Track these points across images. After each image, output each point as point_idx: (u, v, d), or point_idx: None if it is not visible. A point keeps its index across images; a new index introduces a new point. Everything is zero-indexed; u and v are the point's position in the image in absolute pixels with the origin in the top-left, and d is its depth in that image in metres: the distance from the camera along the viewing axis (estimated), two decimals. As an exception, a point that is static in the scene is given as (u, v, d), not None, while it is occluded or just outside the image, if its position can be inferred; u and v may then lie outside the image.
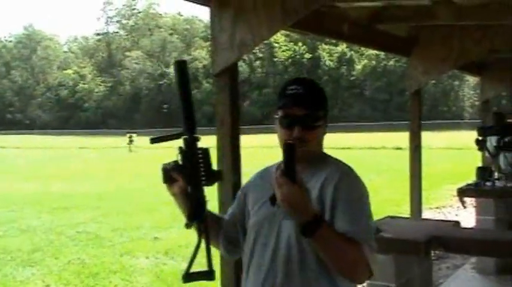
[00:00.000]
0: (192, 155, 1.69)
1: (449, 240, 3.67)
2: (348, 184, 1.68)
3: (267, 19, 2.85)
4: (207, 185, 1.68)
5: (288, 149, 1.53)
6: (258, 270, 1.72)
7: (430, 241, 3.62)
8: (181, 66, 1.77)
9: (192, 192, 1.69)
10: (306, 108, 1.72)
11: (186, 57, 77.64)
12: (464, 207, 6.28)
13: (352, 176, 1.72)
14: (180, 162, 1.71)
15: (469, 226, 6.20)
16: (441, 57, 5.10)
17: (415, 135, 5.39)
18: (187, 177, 1.70)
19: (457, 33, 4.93)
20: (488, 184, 5.69)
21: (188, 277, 1.66)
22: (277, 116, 1.79)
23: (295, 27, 3.69)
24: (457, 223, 4.16)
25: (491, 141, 5.99)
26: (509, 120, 6.48)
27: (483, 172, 5.81)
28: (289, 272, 1.65)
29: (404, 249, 3.60)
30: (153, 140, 1.87)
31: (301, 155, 1.67)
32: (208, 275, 1.65)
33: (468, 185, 5.95)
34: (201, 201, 1.69)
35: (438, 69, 5.23)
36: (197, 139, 1.71)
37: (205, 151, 1.70)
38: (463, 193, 5.92)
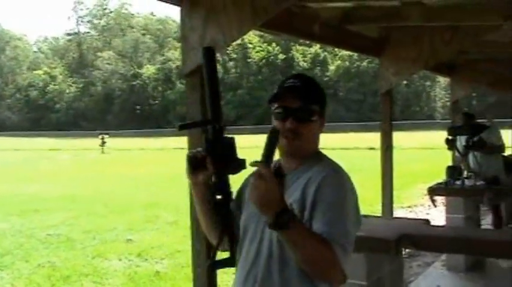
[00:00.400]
0: (220, 144, 1.69)
1: (419, 238, 3.71)
2: (331, 184, 1.64)
3: (237, 19, 2.85)
4: (233, 173, 1.68)
5: (270, 134, 1.58)
6: (244, 264, 1.74)
7: (400, 239, 3.66)
8: (210, 53, 1.73)
9: (216, 181, 1.69)
10: (300, 100, 1.71)
11: (158, 58, 77.27)
12: (435, 206, 6.37)
13: (338, 176, 1.69)
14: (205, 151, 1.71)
15: (440, 224, 6.30)
16: (412, 58, 5.16)
17: (387, 135, 5.44)
18: (215, 165, 1.68)
19: (427, 34, 4.99)
20: (457, 182, 5.79)
21: (214, 265, 1.75)
22: (273, 108, 1.79)
23: (266, 27, 3.70)
24: (427, 221, 4.21)
25: (461, 140, 6.09)
26: (478, 120, 6.59)
27: (453, 171, 5.91)
28: (270, 268, 1.66)
29: (375, 247, 3.63)
30: (181, 127, 1.84)
31: (295, 151, 1.74)
32: (231, 261, 1.73)
33: (438, 184, 6.04)
34: (228, 190, 1.70)
35: (409, 70, 5.28)
36: (224, 128, 1.71)
37: (231, 140, 1.70)
38: (433, 191, 6.01)
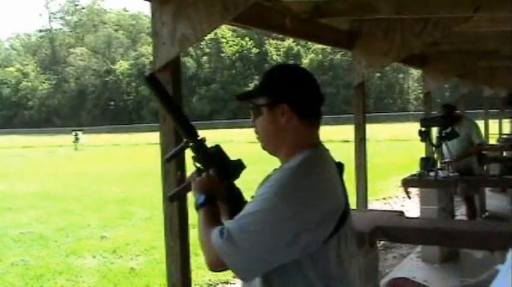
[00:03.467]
0: (212, 156, 1.68)
1: (393, 230, 3.74)
2: (270, 180, 1.48)
3: (207, 14, 2.83)
4: (237, 177, 1.68)
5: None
6: None
7: (374, 231, 3.68)
8: (154, 80, 1.72)
9: (226, 192, 1.69)
10: (250, 96, 1.62)
11: (132, 54, 76.58)
12: (409, 197, 6.41)
13: (283, 172, 1.48)
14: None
15: (414, 216, 6.36)
16: (383, 50, 5.17)
17: (360, 127, 5.45)
18: (220, 178, 1.68)
19: (398, 27, 5.01)
20: (431, 174, 5.84)
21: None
22: None
23: (238, 22, 3.67)
24: (401, 213, 4.23)
25: (434, 132, 6.15)
26: (456, 111, 6.66)
27: (426, 163, 5.96)
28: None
29: (350, 240, 3.64)
30: (167, 160, 1.90)
31: (267, 151, 1.66)
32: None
33: (412, 175, 6.08)
34: (241, 194, 1.72)
35: (380, 62, 5.29)
36: (203, 141, 1.69)
37: (219, 147, 1.70)
38: (407, 183, 6.05)
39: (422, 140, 6.20)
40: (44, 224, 9.30)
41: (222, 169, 1.67)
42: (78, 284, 5.92)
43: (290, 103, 1.52)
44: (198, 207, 1.61)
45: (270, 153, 1.64)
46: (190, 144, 1.69)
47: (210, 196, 1.62)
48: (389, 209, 9.47)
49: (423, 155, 6.74)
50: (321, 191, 1.44)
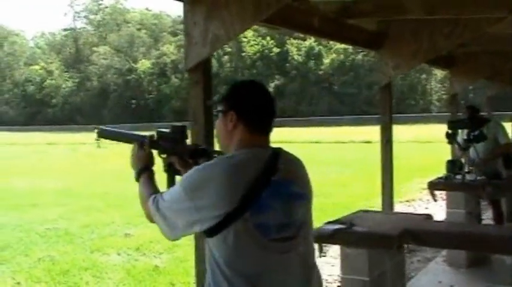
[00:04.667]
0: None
1: (421, 233, 3.70)
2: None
3: (239, 14, 2.84)
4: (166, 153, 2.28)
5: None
6: None
7: (402, 234, 3.65)
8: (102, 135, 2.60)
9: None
10: (216, 103, 1.98)
11: (153, 52, 76.99)
12: (435, 200, 6.35)
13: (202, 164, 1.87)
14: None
15: (440, 219, 6.28)
16: (411, 51, 5.14)
17: (386, 129, 5.43)
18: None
19: (426, 27, 4.97)
20: (458, 177, 5.76)
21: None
22: None
23: (266, 22, 3.67)
24: (429, 216, 4.20)
25: (461, 134, 6.06)
26: (482, 114, 6.55)
27: (453, 165, 5.88)
28: None
29: (377, 243, 3.62)
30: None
31: None
32: None
33: (439, 178, 6.02)
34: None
35: (408, 64, 5.26)
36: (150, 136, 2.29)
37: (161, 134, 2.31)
38: (433, 186, 5.98)
39: (449, 142, 6.12)
40: (68, 220, 9.40)
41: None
42: (103, 280, 5.98)
43: (237, 112, 1.83)
44: (136, 179, 2.17)
45: (223, 151, 1.96)
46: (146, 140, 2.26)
47: (141, 169, 2.17)
48: (413, 211, 9.39)
49: (446, 157, 6.66)
50: (203, 184, 1.74)
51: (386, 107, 5.43)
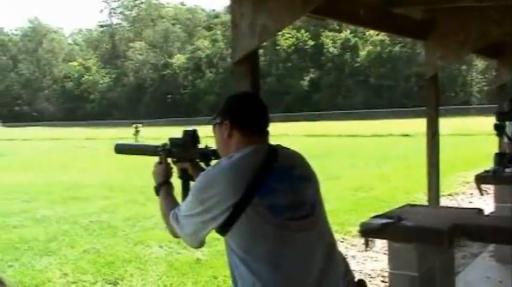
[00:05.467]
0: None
1: (473, 228, 3.59)
2: None
3: (288, 5, 2.79)
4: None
5: None
6: None
7: (453, 229, 3.55)
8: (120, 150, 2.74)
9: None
10: (214, 118, 2.08)
11: (188, 47, 77.47)
12: (482, 194, 6.16)
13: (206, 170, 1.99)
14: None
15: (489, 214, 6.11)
16: (459, 40, 4.99)
17: (433, 121, 5.31)
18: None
19: (475, 15, 4.82)
20: (507, 170, 5.59)
21: None
22: None
23: (313, 13, 3.61)
24: (480, 210, 4.07)
25: (510, 126, 5.88)
26: None
27: (502, 158, 5.70)
28: None
29: (427, 238, 3.52)
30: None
31: None
32: None
33: (486, 171, 5.85)
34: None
35: (456, 54, 5.12)
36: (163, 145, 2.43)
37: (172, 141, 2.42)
38: (480, 179, 5.81)
39: (498, 135, 5.95)
40: (111, 213, 9.54)
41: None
42: (147, 272, 6.03)
43: (231, 120, 1.96)
44: (156, 193, 2.29)
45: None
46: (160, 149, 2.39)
47: (159, 184, 2.28)
48: (456, 205, 9.20)
49: (487, 150, 6.46)
50: (208, 185, 1.84)
51: (433, 99, 5.30)
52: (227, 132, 1.96)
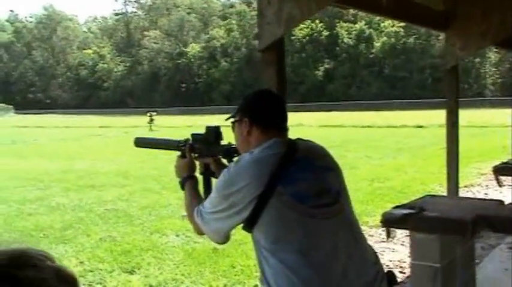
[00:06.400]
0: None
1: (496, 219, 3.58)
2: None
3: (315, -7, 2.77)
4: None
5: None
6: None
7: (476, 220, 3.54)
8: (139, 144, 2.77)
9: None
10: (232, 116, 2.12)
11: (203, 36, 77.39)
12: (500, 186, 6.15)
13: (229, 166, 2.00)
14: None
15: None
16: (480, 31, 4.95)
17: (452, 112, 5.27)
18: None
19: (497, 6, 4.77)
20: (526, 162, 5.57)
21: None
22: None
23: (338, 2, 3.60)
24: (501, 201, 4.06)
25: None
26: None
27: (521, 150, 5.69)
28: None
29: (450, 229, 3.52)
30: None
31: None
32: None
33: (504, 163, 5.83)
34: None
35: (477, 44, 5.08)
36: (186, 140, 2.43)
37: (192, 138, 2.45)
38: (499, 171, 5.80)
39: (517, 127, 5.92)
40: (126, 202, 9.56)
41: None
42: (164, 261, 6.04)
43: (250, 117, 2.00)
44: (181, 187, 2.29)
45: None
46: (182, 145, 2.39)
47: (184, 178, 2.28)
48: (472, 197, 9.14)
49: (502, 142, 6.42)
50: (232, 180, 1.86)
51: (453, 90, 5.27)
52: (246, 130, 2.01)
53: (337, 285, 1.79)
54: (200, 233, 2.03)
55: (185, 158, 2.35)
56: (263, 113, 2.03)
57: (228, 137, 2.27)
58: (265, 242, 1.80)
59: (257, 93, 2.18)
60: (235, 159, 2.08)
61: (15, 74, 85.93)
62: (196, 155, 2.37)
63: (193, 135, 2.40)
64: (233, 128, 2.10)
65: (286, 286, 1.76)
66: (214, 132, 2.32)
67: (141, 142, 2.71)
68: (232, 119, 2.11)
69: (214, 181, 2.13)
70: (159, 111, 45.20)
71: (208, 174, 2.35)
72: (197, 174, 2.35)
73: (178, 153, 2.39)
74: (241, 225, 1.87)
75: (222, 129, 2.35)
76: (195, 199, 2.16)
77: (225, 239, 1.99)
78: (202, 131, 2.38)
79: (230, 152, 2.25)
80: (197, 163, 2.38)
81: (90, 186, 11.42)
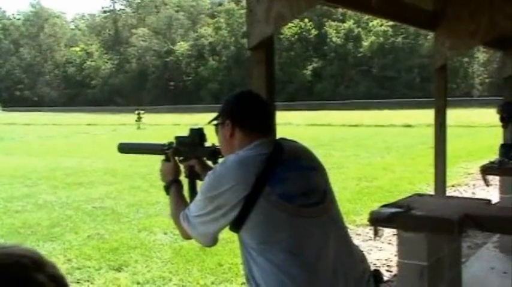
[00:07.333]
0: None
1: (483, 218, 3.60)
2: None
3: (305, -8, 2.77)
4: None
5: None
6: None
7: (463, 219, 3.56)
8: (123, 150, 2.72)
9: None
10: (215, 119, 2.12)
11: (191, 35, 77.23)
12: (487, 185, 6.18)
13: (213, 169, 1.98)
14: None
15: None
16: (469, 31, 4.97)
17: (441, 112, 5.28)
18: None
19: (486, 7, 4.80)
20: (513, 161, 5.60)
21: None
22: None
23: (327, 1, 3.60)
24: (488, 201, 4.08)
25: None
26: None
27: (507, 150, 5.72)
28: None
29: (437, 228, 3.53)
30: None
31: None
32: None
33: (491, 162, 5.86)
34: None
35: (466, 44, 5.10)
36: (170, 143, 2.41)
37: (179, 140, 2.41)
38: (486, 170, 5.83)
39: (504, 126, 5.96)
40: (114, 199, 9.55)
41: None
42: (151, 259, 6.04)
43: (232, 120, 1.99)
44: (166, 192, 2.27)
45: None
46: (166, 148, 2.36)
47: (169, 182, 2.26)
48: (459, 196, 9.20)
49: (488, 142, 6.47)
50: (218, 182, 1.84)
51: (442, 90, 5.28)
52: (229, 133, 2.00)
53: (326, 283, 1.80)
54: (187, 237, 2.01)
55: (169, 161, 2.33)
56: (245, 115, 2.02)
57: (212, 138, 2.27)
58: (253, 242, 1.80)
59: (238, 95, 2.16)
60: (220, 160, 2.08)
61: (2, 71, 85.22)
62: (181, 158, 2.35)
63: (177, 138, 2.39)
64: (216, 131, 2.09)
65: (275, 285, 1.75)
66: (198, 135, 2.31)
67: (125, 148, 2.68)
68: (214, 122, 2.10)
69: (199, 184, 2.11)
70: (147, 109, 45.07)
71: (193, 177, 2.33)
72: (182, 178, 2.34)
73: (163, 157, 2.37)
74: (228, 226, 1.85)
75: (206, 131, 2.34)
76: (180, 203, 2.14)
77: (213, 242, 1.96)
78: (186, 133, 2.37)
79: (215, 153, 2.24)
80: (182, 166, 2.36)
81: (77, 183, 11.38)
